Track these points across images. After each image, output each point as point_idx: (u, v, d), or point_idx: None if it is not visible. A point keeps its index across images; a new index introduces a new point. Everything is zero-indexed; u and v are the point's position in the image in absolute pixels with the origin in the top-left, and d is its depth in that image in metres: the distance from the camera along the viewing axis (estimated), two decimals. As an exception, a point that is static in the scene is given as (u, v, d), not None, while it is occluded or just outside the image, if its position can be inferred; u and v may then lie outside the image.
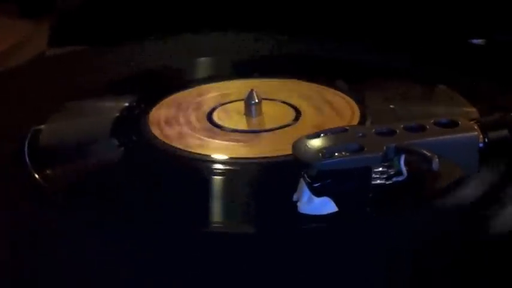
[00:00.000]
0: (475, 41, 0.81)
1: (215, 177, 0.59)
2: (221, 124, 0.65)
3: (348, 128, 0.54)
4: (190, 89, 0.72)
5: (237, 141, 0.62)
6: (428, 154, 0.48)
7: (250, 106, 0.66)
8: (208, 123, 0.66)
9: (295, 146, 0.52)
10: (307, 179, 0.52)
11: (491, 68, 0.74)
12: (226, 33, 0.87)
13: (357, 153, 0.51)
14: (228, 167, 0.59)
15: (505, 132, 0.54)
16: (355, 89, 0.70)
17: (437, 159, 0.48)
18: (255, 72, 0.75)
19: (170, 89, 0.72)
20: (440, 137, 0.52)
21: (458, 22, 0.84)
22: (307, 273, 0.47)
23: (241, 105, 0.66)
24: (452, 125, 0.53)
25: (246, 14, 0.90)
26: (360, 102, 0.67)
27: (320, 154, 0.51)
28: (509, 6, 0.83)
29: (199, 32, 0.86)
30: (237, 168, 0.59)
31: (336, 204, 0.52)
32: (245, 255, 0.49)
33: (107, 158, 0.63)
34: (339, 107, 0.67)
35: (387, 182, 0.52)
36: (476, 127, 0.53)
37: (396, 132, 0.52)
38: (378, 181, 0.52)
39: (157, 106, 0.69)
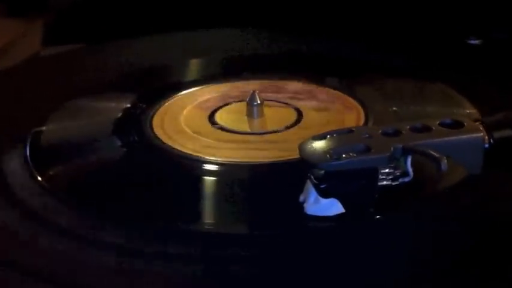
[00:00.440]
0: (472, 41, 0.81)
1: (217, 178, 0.59)
2: (223, 125, 0.65)
3: (353, 129, 0.54)
4: (191, 90, 0.72)
5: (239, 142, 0.62)
6: (437, 155, 0.48)
7: (252, 107, 0.66)
8: (210, 124, 0.66)
9: (301, 147, 0.52)
10: (314, 180, 0.52)
11: (490, 67, 0.74)
12: (228, 33, 0.87)
13: (364, 154, 0.51)
14: (230, 169, 0.59)
15: (509, 132, 0.55)
16: (356, 89, 0.70)
17: (445, 160, 0.48)
18: (258, 73, 0.75)
19: (172, 89, 0.72)
20: (446, 138, 0.52)
21: (456, 22, 0.84)
22: (316, 274, 0.48)
23: (243, 106, 0.66)
24: (457, 125, 0.53)
25: (247, 15, 0.90)
26: (362, 102, 0.67)
27: (327, 155, 0.51)
28: (506, 5, 0.84)
29: (200, 31, 0.86)
30: (240, 169, 0.59)
31: (343, 205, 0.52)
32: (252, 257, 0.50)
33: (109, 159, 0.63)
34: (341, 108, 0.67)
35: (393, 183, 0.53)
36: (481, 128, 0.53)
37: (402, 133, 0.53)
38: (384, 182, 0.52)
39: (159, 106, 0.69)
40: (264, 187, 0.57)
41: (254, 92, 0.66)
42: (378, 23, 0.86)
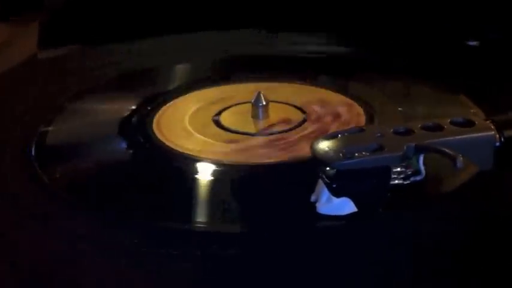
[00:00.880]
0: (470, 42, 0.82)
1: (223, 179, 0.59)
2: (228, 127, 0.65)
3: (365, 128, 0.54)
4: (195, 91, 0.72)
5: (243, 143, 0.62)
6: (452, 153, 0.48)
7: (257, 108, 0.65)
8: (215, 125, 0.65)
9: (313, 146, 0.52)
10: (326, 179, 0.52)
11: (488, 67, 0.75)
12: (229, 35, 0.87)
13: (377, 153, 0.51)
14: (236, 170, 0.59)
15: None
16: (359, 90, 0.70)
17: (461, 158, 0.48)
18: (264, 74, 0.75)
19: (175, 90, 0.72)
20: (458, 136, 0.52)
21: (455, 24, 0.85)
22: (328, 273, 0.47)
23: (247, 107, 0.66)
24: (468, 124, 0.53)
25: (249, 16, 0.90)
26: (365, 103, 0.67)
27: (340, 154, 0.51)
28: (500, 8, 0.85)
29: (201, 32, 0.86)
30: (245, 170, 0.59)
31: (355, 205, 0.52)
32: (264, 257, 0.49)
33: (111, 160, 0.62)
34: (345, 109, 0.67)
35: (405, 182, 0.53)
36: (492, 126, 0.53)
37: (414, 131, 0.52)
38: (396, 181, 0.52)
39: (163, 107, 0.68)
40: (270, 188, 0.57)
41: (259, 92, 0.66)
42: (381, 26, 0.86)
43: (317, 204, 0.52)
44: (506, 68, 0.74)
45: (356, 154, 0.51)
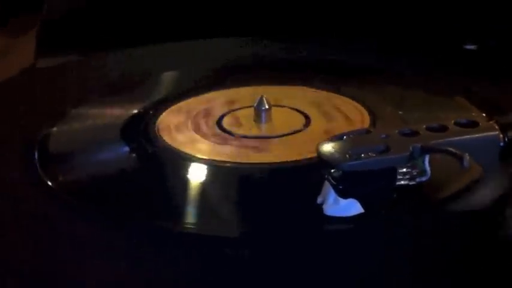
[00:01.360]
0: (468, 46, 0.83)
1: (228, 181, 0.59)
2: (231, 130, 0.65)
3: (370, 129, 0.55)
4: (197, 96, 0.72)
5: (248, 147, 0.62)
6: (458, 152, 0.49)
7: (260, 112, 0.66)
8: (218, 129, 0.66)
9: (319, 148, 0.53)
10: (332, 181, 0.52)
11: (489, 71, 0.75)
12: (230, 39, 0.87)
13: (383, 154, 0.51)
14: (240, 172, 0.59)
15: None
16: (363, 94, 0.70)
17: (468, 157, 0.48)
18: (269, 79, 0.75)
19: (177, 96, 0.72)
20: (463, 137, 0.53)
21: (454, 28, 0.85)
22: (337, 274, 0.48)
23: (250, 111, 0.66)
24: (472, 125, 0.54)
25: (251, 20, 0.91)
26: (368, 106, 0.68)
27: (347, 155, 0.51)
28: (496, 14, 0.85)
29: (201, 38, 0.87)
30: (250, 173, 0.59)
31: (361, 206, 0.52)
32: (271, 259, 0.49)
33: (115, 163, 0.63)
34: (348, 113, 0.67)
35: (411, 183, 0.53)
36: (496, 126, 0.54)
37: (419, 133, 0.53)
38: (402, 182, 0.53)
39: (165, 112, 0.69)
40: (274, 191, 0.57)
41: (262, 96, 0.66)
42: (385, 28, 0.87)
43: (324, 206, 0.53)
44: (505, 71, 0.74)
45: (362, 155, 0.51)
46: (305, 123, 0.66)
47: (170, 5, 0.92)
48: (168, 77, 0.80)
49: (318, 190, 0.53)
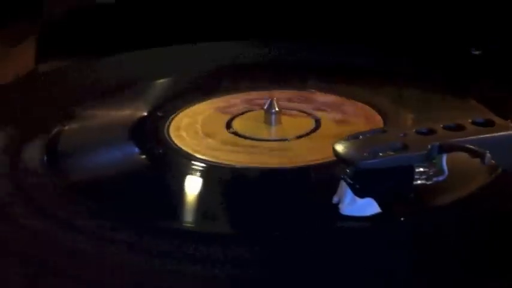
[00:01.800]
0: (473, 51, 0.83)
1: (241, 184, 0.59)
2: (239, 132, 0.65)
3: (386, 129, 0.54)
4: (207, 100, 0.72)
5: (258, 148, 0.62)
6: (479, 150, 0.48)
7: (270, 115, 0.65)
8: (228, 132, 0.65)
9: (336, 147, 0.52)
10: (349, 180, 0.52)
11: (497, 74, 0.75)
12: (237, 43, 0.87)
13: (401, 152, 0.51)
14: (252, 174, 0.59)
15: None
16: (371, 96, 0.70)
17: (489, 154, 0.48)
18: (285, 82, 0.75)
19: (186, 99, 0.72)
20: (481, 136, 0.52)
21: (460, 34, 0.86)
22: (357, 273, 0.47)
23: (260, 114, 0.66)
24: (489, 124, 0.54)
25: (260, 24, 0.91)
26: (379, 109, 0.68)
27: (365, 154, 0.51)
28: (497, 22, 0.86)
29: (211, 41, 0.87)
30: (260, 174, 0.59)
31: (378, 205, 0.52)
32: (290, 260, 0.49)
33: (126, 164, 0.62)
34: (359, 114, 0.67)
35: (428, 182, 0.52)
36: (512, 126, 0.54)
37: (436, 131, 0.53)
38: (419, 181, 0.52)
39: (176, 115, 0.68)
40: (287, 192, 0.57)
41: (272, 99, 0.66)
42: (392, 35, 0.87)
43: (340, 206, 0.52)
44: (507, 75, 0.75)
45: (380, 154, 0.51)
46: (315, 126, 0.66)
47: (174, 8, 0.92)
48: (174, 81, 0.80)
49: (332, 191, 0.53)
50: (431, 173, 0.53)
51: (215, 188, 0.59)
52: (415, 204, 0.53)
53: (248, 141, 0.63)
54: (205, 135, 0.64)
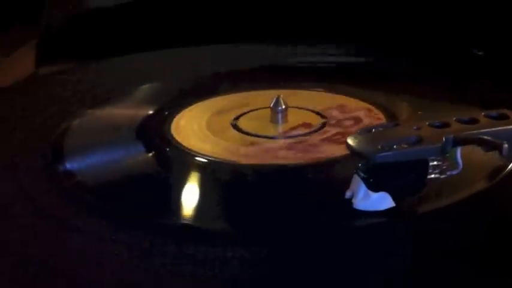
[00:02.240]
0: (476, 52, 0.83)
1: (250, 182, 0.58)
2: (245, 130, 0.64)
3: (399, 122, 0.54)
4: (211, 99, 0.71)
5: (264, 146, 0.62)
6: (496, 140, 0.48)
7: (277, 113, 0.65)
8: (234, 129, 0.65)
9: (349, 141, 0.51)
10: (363, 174, 0.51)
11: (503, 73, 0.75)
12: (241, 44, 0.87)
13: (416, 145, 0.50)
14: (258, 171, 0.58)
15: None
16: (377, 96, 0.70)
17: (506, 145, 0.48)
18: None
19: (191, 98, 0.71)
20: (495, 128, 0.52)
21: (460, 34, 0.86)
22: (369, 269, 0.47)
23: (266, 112, 0.65)
24: (502, 117, 0.53)
25: (266, 25, 0.90)
26: (385, 109, 0.67)
27: (379, 146, 0.50)
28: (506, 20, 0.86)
29: (216, 43, 0.87)
30: (266, 171, 0.58)
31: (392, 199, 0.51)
32: (304, 256, 0.48)
33: (128, 165, 0.61)
34: (365, 114, 0.67)
35: (442, 176, 0.52)
36: (526, 119, 0.53)
37: (450, 124, 0.52)
38: (433, 175, 0.52)
39: (181, 114, 0.68)
40: (296, 190, 0.56)
41: (279, 97, 0.65)
42: (398, 36, 0.87)
43: (353, 200, 0.51)
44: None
45: (395, 147, 0.50)
46: (321, 124, 0.65)
47: (175, 12, 0.92)
48: (174, 82, 0.79)
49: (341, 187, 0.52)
50: (444, 167, 0.52)
51: (219, 187, 0.58)
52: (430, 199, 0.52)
53: (254, 139, 0.63)
54: (210, 134, 0.64)
